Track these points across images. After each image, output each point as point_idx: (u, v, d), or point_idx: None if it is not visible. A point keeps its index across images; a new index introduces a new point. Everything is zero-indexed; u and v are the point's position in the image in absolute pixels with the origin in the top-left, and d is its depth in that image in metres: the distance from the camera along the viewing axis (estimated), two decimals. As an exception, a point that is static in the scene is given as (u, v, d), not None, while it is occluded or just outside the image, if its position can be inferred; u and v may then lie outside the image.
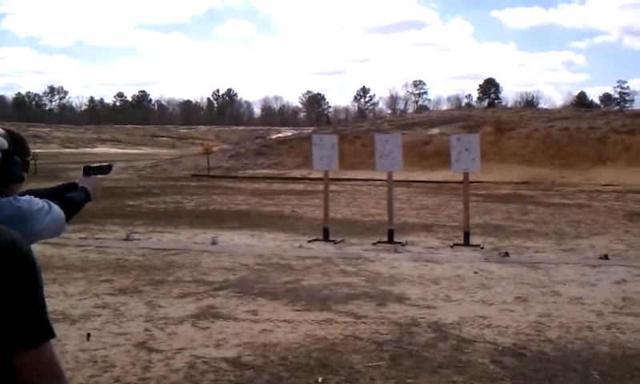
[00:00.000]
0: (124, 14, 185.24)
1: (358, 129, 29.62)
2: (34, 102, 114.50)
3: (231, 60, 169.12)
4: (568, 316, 5.63)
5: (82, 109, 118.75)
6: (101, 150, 62.80)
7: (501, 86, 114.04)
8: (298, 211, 13.68)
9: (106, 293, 6.41)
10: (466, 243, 9.23)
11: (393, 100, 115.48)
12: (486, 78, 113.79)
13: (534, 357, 4.59)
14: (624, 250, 9.12)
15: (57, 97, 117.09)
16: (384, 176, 10.58)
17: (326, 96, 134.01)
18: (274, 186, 20.46)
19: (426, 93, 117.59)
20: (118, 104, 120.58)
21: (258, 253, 8.69)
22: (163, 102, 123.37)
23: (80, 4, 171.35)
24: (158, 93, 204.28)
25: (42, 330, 1.23)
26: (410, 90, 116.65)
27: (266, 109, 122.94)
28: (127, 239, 9.74)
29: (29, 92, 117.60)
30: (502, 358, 4.56)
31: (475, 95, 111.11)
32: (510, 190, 19.30)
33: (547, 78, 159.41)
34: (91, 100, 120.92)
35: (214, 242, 9.42)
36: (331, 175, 11.19)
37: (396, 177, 10.61)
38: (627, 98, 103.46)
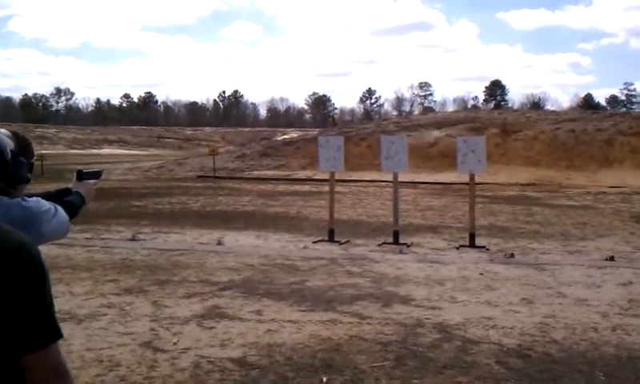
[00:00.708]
0: (129, 16, 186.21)
1: (364, 130, 29.63)
2: (40, 104, 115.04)
3: (237, 61, 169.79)
4: (573, 317, 5.62)
5: (89, 110, 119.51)
6: (107, 151, 62.98)
7: (507, 87, 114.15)
8: (303, 212, 13.69)
9: (111, 293, 6.44)
10: (472, 244, 9.22)
11: (398, 101, 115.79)
12: (492, 79, 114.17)
13: (539, 358, 4.58)
14: (630, 251, 9.09)
15: (63, 98, 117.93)
16: (390, 177, 10.57)
17: (331, 97, 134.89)
18: (279, 187, 20.48)
19: (431, 94, 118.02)
20: (124, 105, 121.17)
21: (264, 253, 8.70)
22: (169, 104, 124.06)
23: (86, 6, 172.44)
24: (163, 94, 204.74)
25: (50, 331, 1.25)
26: (416, 92, 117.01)
27: (272, 110, 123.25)
28: (133, 239, 9.77)
29: (35, 93, 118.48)
30: (507, 358, 4.55)
31: (481, 97, 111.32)
32: (516, 191, 19.27)
33: (553, 80, 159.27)
34: (97, 101, 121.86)
35: (219, 243, 9.44)
36: (337, 176, 11.19)
37: (402, 178, 10.62)
38: (634, 99, 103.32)
